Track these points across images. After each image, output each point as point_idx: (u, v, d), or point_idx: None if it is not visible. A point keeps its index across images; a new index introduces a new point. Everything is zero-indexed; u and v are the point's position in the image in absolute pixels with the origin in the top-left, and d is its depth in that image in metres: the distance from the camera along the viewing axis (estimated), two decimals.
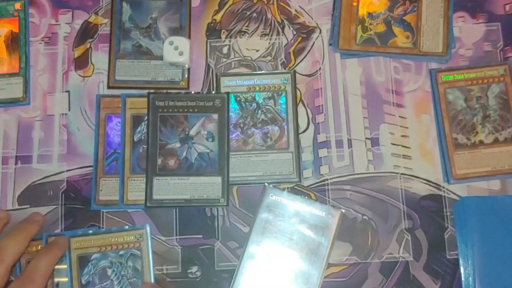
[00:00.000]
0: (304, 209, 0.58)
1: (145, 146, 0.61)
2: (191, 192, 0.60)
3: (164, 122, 0.61)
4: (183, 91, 0.63)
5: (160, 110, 0.62)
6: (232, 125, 0.61)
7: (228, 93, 0.62)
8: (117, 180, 0.61)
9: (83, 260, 0.58)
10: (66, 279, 0.58)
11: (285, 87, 0.62)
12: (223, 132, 0.61)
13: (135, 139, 0.62)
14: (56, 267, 0.57)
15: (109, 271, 0.58)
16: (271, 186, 0.59)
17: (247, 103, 0.62)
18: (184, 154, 0.61)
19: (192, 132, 0.61)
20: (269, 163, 0.60)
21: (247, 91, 0.62)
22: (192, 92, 0.62)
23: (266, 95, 0.62)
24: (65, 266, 0.58)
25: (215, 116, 0.62)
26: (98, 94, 0.63)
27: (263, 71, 0.63)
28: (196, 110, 0.62)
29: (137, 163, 0.61)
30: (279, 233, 0.58)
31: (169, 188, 0.60)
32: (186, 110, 0.62)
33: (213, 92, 0.63)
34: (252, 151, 0.61)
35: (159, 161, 0.60)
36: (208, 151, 0.61)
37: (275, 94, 0.62)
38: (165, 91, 0.63)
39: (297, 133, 0.61)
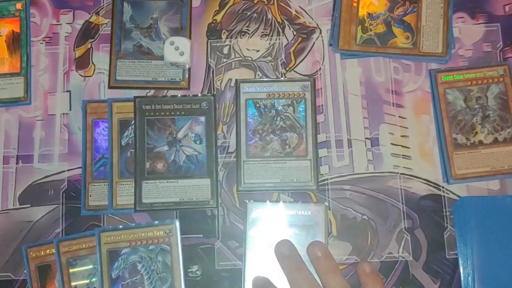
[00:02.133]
0: (290, 213, 0.58)
1: (133, 150, 0.61)
2: (180, 195, 0.60)
3: (151, 125, 0.61)
4: (169, 95, 0.63)
5: (147, 114, 0.62)
6: (251, 131, 0.61)
7: (214, 95, 0.62)
8: (106, 185, 0.61)
9: (113, 255, 0.58)
10: (83, 282, 0.58)
11: (305, 95, 0.62)
12: (210, 134, 0.61)
13: (123, 144, 0.62)
14: (71, 270, 0.58)
15: (139, 266, 0.58)
16: (251, 201, 0.59)
17: (266, 110, 0.62)
18: (172, 157, 0.61)
19: (180, 135, 0.61)
20: (287, 170, 0.60)
21: (266, 98, 0.62)
22: (179, 95, 0.62)
23: (285, 102, 0.62)
24: (81, 269, 0.58)
25: (202, 118, 0.62)
26: (84, 100, 0.63)
27: (282, 78, 0.63)
28: (183, 113, 0.62)
29: (125, 168, 0.61)
30: (272, 245, 0.57)
31: (159, 192, 0.60)
32: (173, 113, 0.62)
33: (199, 95, 0.63)
34: (270, 158, 0.61)
35: (148, 164, 0.61)
36: (196, 153, 0.61)
37: (294, 102, 0.62)
38: (165, 91, 0.63)
39: (315, 141, 0.61)
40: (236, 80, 0.63)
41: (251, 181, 0.60)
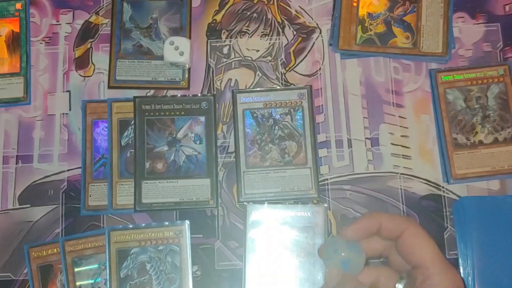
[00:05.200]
0: (289, 215, 0.58)
1: (132, 151, 0.61)
2: (180, 195, 0.60)
3: (151, 125, 0.61)
4: (169, 94, 0.63)
5: (146, 113, 0.62)
6: (249, 141, 0.61)
7: (214, 95, 0.62)
8: (105, 185, 0.60)
9: (122, 254, 0.58)
10: (88, 282, 0.58)
11: (302, 103, 0.62)
12: (210, 134, 0.61)
13: (123, 144, 0.62)
14: (76, 270, 0.58)
15: (148, 266, 0.58)
16: (250, 203, 0.59)
17: (263, 119, 0.61)
18: (172, 157, 0.61)
19: (180, 135, 0.61)
20: (287, 179, 0.60)
21: (263, 107, 0.62)
22: (178, 95, 0.62)
23: (283, 111, 0.62)
24: (86, 268, 0.58)
25: (202, 118, 0.62)
26: (84, 100, 0.63)
27: (278, 87, 0.63)
28: (182, 113, 0.62)
29: (125, 168, 0.61)
30: (272, 247, 0.57)
31: (158, 192, 0.60)
32: (172, 113, 0.62)
33: (199, 95, 0.63)
34: (270, 167, 0.60)
35: (147, 164, 0.60)
36: (196, 153, 0.61)
37: (291, 110, 0.62)
38: (164, 91, 0.63)
39: (315, 149, 0.61)
40: (233, 91, 0.62)
41: (251, 191, 0.60)
